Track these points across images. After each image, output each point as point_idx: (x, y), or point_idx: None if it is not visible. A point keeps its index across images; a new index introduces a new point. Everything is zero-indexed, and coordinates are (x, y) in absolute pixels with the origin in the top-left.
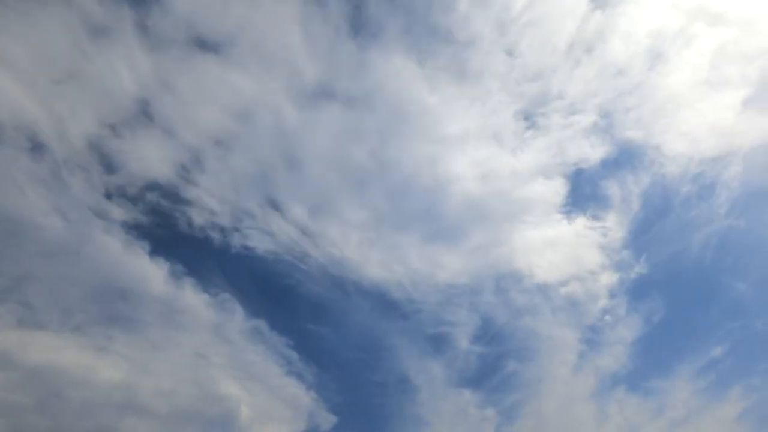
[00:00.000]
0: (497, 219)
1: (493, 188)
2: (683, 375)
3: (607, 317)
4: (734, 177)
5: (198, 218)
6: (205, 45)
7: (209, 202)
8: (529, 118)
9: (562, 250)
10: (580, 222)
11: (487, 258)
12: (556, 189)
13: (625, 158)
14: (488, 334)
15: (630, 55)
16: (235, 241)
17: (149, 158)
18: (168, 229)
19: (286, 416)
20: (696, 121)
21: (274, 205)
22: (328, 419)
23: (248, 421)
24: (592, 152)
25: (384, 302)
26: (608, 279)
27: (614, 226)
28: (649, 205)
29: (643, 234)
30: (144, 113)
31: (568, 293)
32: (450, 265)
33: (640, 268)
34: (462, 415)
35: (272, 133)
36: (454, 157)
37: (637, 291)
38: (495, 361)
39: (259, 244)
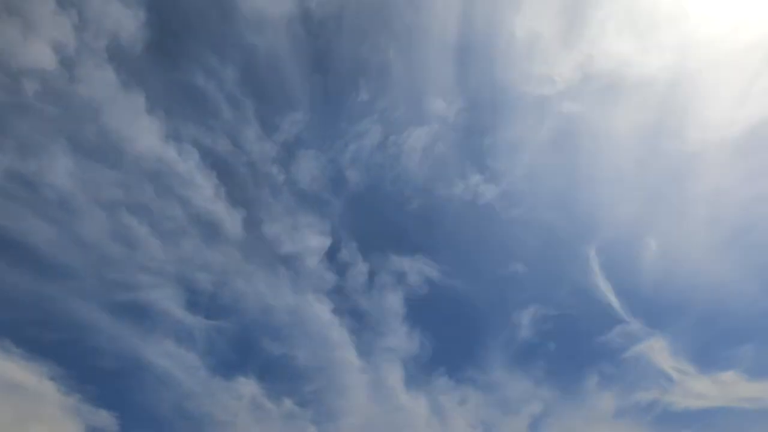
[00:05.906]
0: None
1: None
2: (498, 363)
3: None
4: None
5: None
6: None
7: None
8: None
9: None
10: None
11: None
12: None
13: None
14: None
15: None
16: None
17: None
18: None
19: (44, 415)
20: None
21: None
22: (105, 418)
23: None
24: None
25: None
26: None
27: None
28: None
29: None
30: None
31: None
32: None
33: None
34: (260, 410)
35: None
36: None
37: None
38: (241, 339)
39: None
